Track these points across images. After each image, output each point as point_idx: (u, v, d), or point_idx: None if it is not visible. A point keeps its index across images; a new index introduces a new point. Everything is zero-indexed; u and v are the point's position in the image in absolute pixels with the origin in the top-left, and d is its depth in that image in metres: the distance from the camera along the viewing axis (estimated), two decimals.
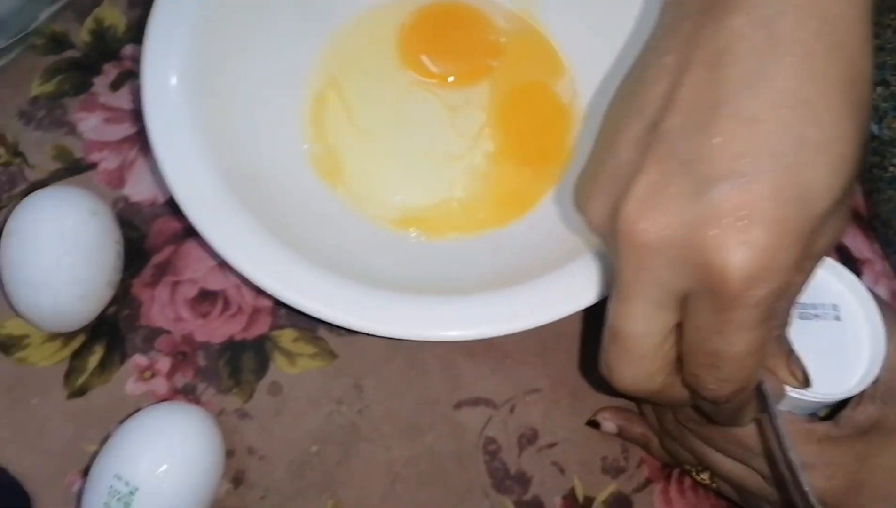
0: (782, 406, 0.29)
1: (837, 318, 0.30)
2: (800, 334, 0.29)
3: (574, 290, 0.31)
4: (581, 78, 0.40)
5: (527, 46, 0.41)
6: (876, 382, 0.29)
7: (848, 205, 0.24)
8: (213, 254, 0.38)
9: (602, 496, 0.35)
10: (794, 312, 0.27)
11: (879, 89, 0.36)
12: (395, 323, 0.30)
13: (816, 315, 0.30)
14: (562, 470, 0.35)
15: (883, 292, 0.39)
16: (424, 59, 0.40)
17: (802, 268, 0.24)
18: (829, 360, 0.29)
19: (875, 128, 0.37)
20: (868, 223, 0.40)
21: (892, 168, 0.36)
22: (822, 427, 0.29)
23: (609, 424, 0.35)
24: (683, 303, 0.23)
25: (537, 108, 0.40)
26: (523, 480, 0.35)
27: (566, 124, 0.39)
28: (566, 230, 0.35)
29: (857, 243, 0.40)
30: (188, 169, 0.32)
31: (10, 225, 0.33)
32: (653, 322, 0.24)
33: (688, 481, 0.35)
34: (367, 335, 0.30)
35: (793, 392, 0.28)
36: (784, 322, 0.26)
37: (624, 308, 0.24)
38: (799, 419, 0.29)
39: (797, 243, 0.22)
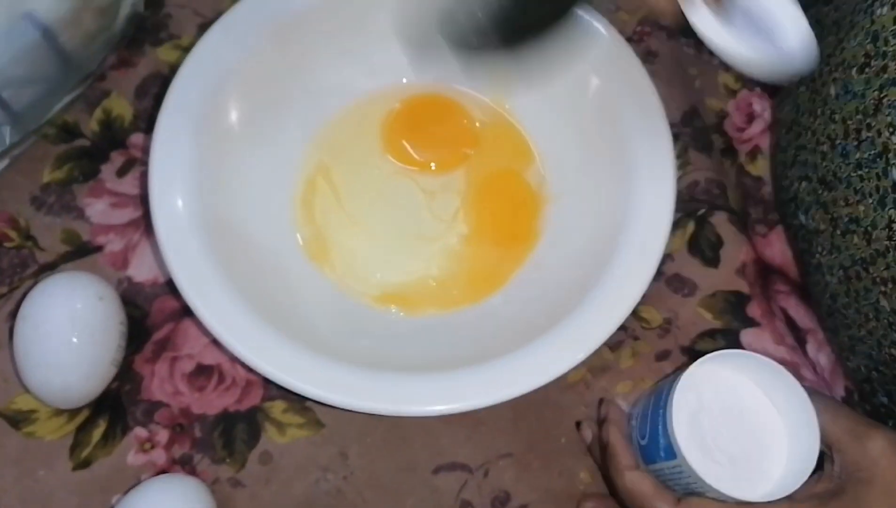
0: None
1: (778, 418, 0.34)
2: (740, 429, 0.32)
3: (544, 363, 0.35)
4: (548, 164, 0.44)
5: (500, 136, 0.45)
6: (831, 463, 0.33)
7: None
8: (209, 331, 0.41)
9: None
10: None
11: (804, 184, 0.40)
12: (379, 400, 0.33)
13: (759, 417, 0.34)
14: None
15: (825, 359, 0.43)
16: (407, 147, 0.44)
17: None
18: (760, 456, 0.33)
19: (802, 217, 0.40)
20: (808, 293, 0.44)
21: (818, 255, 0.40)
22: (781, 505, 0.32)
23: (587, 432, 0.38)
24: None
25: (508, 193, 0.44)
26: None
27: (535, 208, 0.43)
28: (536, 307, 0.39)
29: (800, 314, 0.43)
30: (187, 254, 0.35)
31: (24, 310, 0.36)
32: None
33: None
34: None
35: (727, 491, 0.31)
36: None
37: None
38: (758, 503, 0.32)
39: None
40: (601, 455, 0.37)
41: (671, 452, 0.33)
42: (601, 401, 0.40)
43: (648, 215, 0.37)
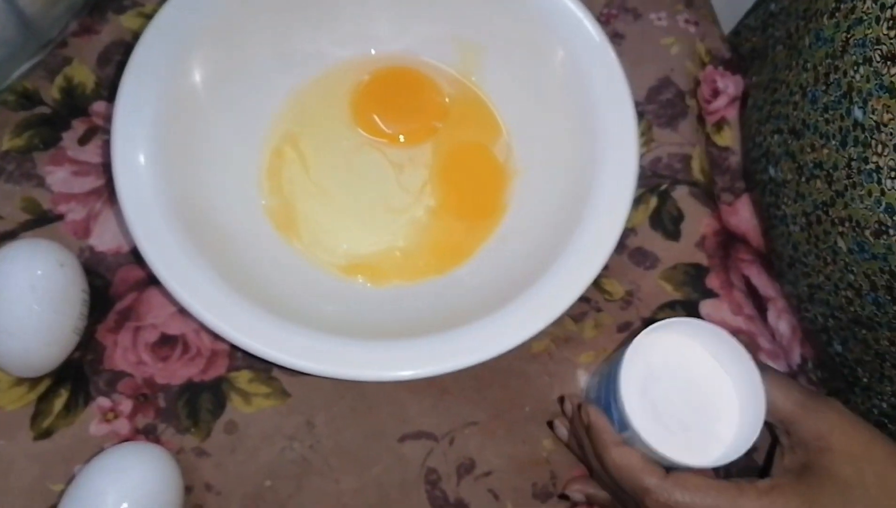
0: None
1: (727, 383, 0.35)
2: (690, 396, 0.34)
3: (507, 330, 0.35)
4: (515, 138, 0.44)
5: (468, 109, 0.45)
6: (788, 436, 0.34)
7: None
8: (173, 300, 0.40)
9: None
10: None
11: (776, 137, 0.41)
12: (344, 366, 0.33)
13: (710, 382, 0.35)
14: (496, 497, 0.39)
15: (784, 326, 0.44)
16: (376, 119, 0.44)
17: None
18: (711, 422, 0.34)
19: (772, 170, 0.42)
20: (769, 262, 0.45)
21: (783, 207, 0.41)
22: (762, 482, 0.33)
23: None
24: None
25: (475, 167, 0.44)
26: (461, 507, 0.38)
27: (501, 182, 0.43)
28: (500, 277, 0.39)
29: (762, 282, 0.45)
30: (152, 222, 0.35)
31: None
32: None
33: None
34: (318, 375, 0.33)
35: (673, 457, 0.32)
36: None
37: None
38: (741, 480, 0.33)
39: None
40: (578, 444, 0.37)
41: (624, 424, 0.34)
42: (561, 398, 0.40)
43: (612, 186, 0.38)
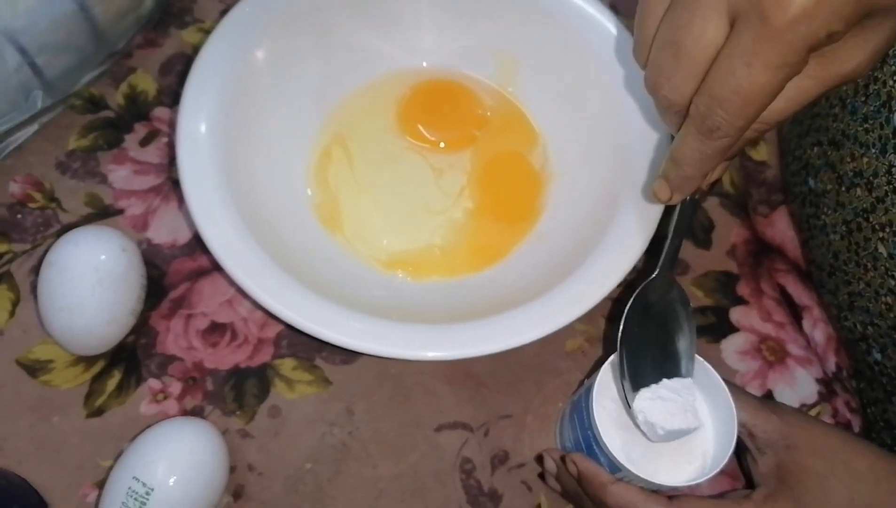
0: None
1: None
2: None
3: (536, 322, 0.36)
4: (551, 146, 0.46)
5: (507, 119, 0.47)
6: (753, 438, 0.35)
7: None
8: (224, 291, 0.43)
9: None
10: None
11: (815, 150, 0.43)
12: (384, 344, 0.35)
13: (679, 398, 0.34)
14: (529, 488, 0.39)
15: (820, 335, 0.45)
16: (420, 127, 0.46)
17: (845, 34, 0.26)
18: (692, 441, 0.34)
19: (811, 182, 0.43)
20: (806, 273, 0.46)
21: (823, 217, 0.42)
22: (756, 494, 0.34)
23: (549, 463, 0.37)
24: (731, 26, 0.26)
25: (512, 173, 0.46)
26: (495, 497, 0.39)
27: (537, 188, 0.45)
28: (534, 275, 0.41)
29: (798, 291, 0.46)
30: (215, 215, 0.37)
31: (50, 257, 0.38)
32: (706, 32, 0.27)
33: None
34: (359, 364, 0.34)
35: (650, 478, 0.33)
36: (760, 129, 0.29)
37: (686, 17, 0.27)
38: (737, 495, 0.34)
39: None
40: (572, 493, 0.37)
41: (614, 467, 0.34)
42: (539, 457, 0.39)
43: (646, 185, 0.40)
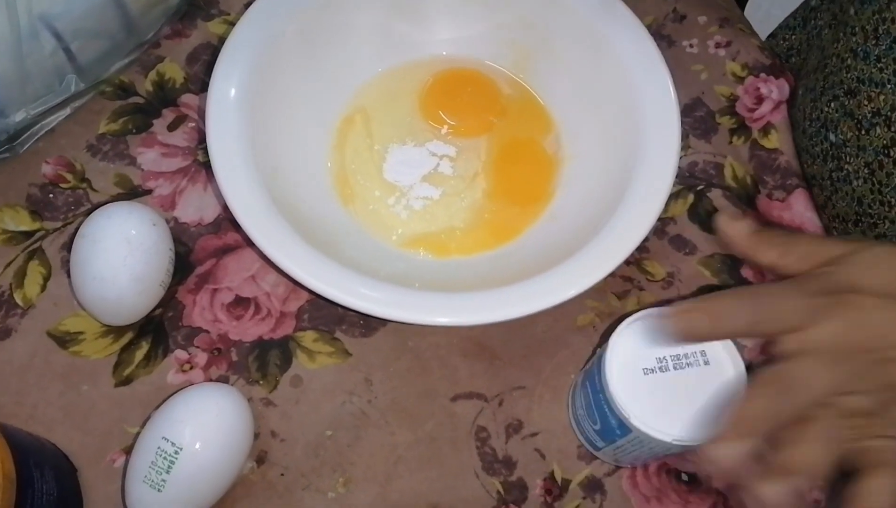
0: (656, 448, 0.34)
1: (706, 363, 0.36)
2: (675, 381, 0.35)
3: (547, 291, 0.38)
4: (565, 132, 0.48)
5: (523, 107, 0.49)
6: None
7: None
8: (248, 267, 0.44)
9: (577, 479, 0.40)
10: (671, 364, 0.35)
11: (832, 105, 0.44)
12: (403, 309, 0.36)
13: (689, 364, 0.36)
14: (542, 456, 0.41)
15: None
16: (441, 112, 0.48)
17: None
18: (701, 401, 0.35)
19: (832, 136, 0.44)
20: (826, 233, 0.47)
21: (845, 166, 0.43)
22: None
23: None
24: None
25: (527, 159, 0.48)
26: (509, 464, 0.40)
27: (550, 172, 0.47)
28: (547, 251, 0.42)
29: None
30: (243, 191, 0.39)
31: (84, 230, 0.40)
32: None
33: (652, 467, 0.41)
34: (377, 337, 0.36)
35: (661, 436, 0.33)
36: None
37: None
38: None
39: None
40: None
41: (625, 428, 0.35)
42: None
43: (655, 163, 0.41)
